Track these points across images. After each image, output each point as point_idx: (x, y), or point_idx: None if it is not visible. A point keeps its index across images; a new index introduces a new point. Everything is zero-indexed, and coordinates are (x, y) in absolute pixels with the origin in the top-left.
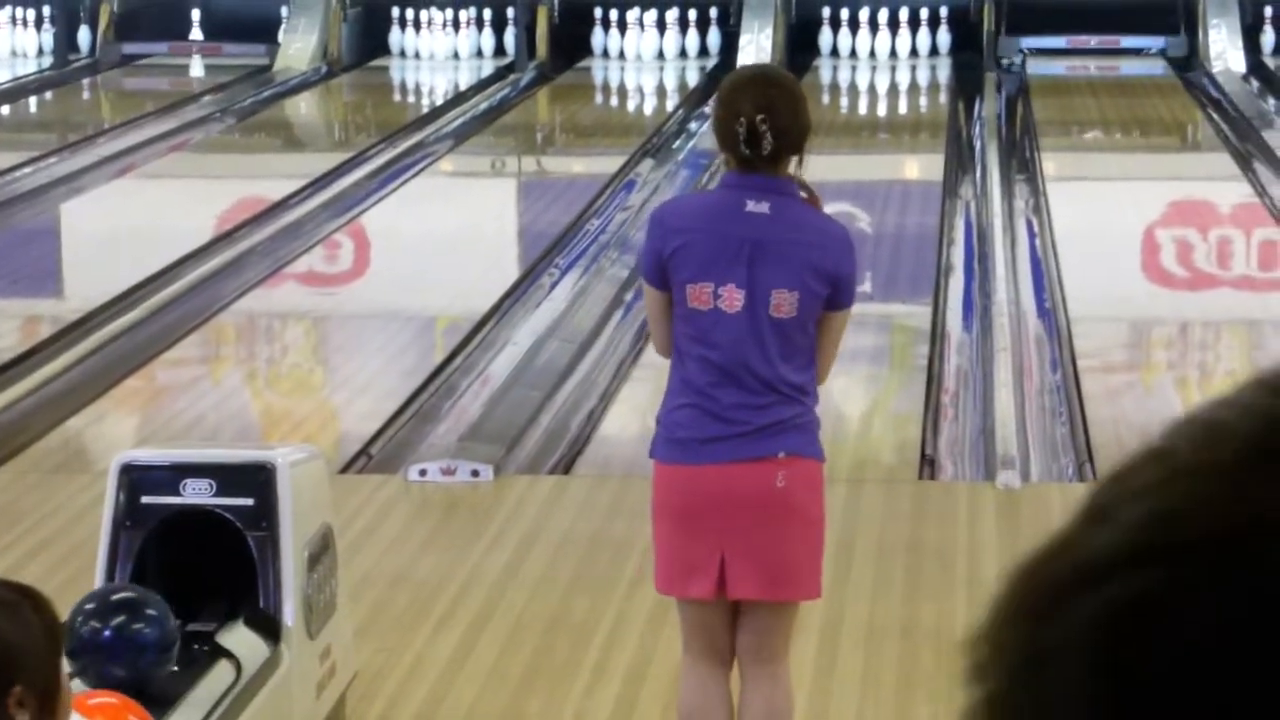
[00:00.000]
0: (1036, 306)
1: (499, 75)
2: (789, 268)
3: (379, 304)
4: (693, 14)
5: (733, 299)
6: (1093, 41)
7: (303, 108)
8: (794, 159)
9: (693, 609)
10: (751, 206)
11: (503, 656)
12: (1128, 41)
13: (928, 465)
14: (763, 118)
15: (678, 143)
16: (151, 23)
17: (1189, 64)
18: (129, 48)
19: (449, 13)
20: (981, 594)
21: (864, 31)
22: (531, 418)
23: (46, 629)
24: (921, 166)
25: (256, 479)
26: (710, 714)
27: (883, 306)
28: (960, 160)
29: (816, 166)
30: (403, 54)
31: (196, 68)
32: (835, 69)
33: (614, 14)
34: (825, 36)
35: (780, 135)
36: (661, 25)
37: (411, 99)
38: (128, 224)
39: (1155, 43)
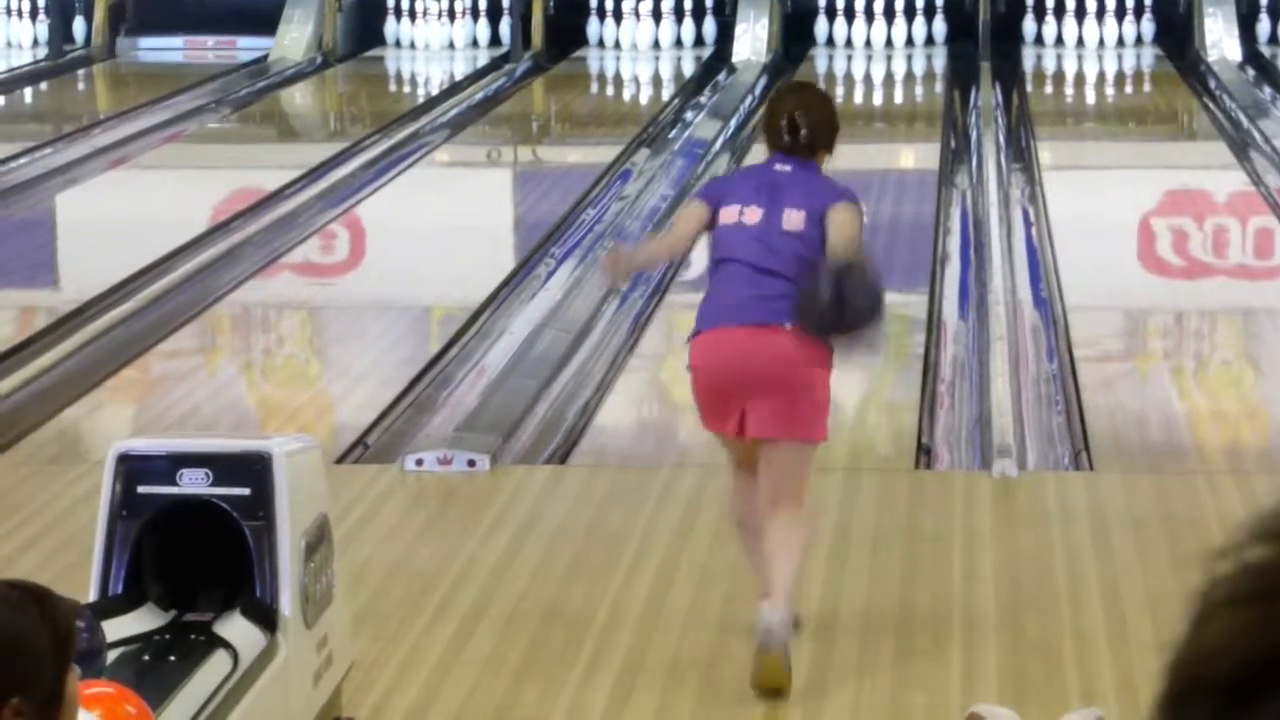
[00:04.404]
0: (1032, 295)
1: (494, 65)
2: (800, 194)
3: (375, 294)
4: (688, 3)
5: (753, 215)
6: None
7: (298, 98)
8: (825, 156)
9: (728, 439)
10: (779, 167)
11: (499, 646)
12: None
13: (924, 454)
14: (800, 112)
15: (673, 132)
16: (149, 13)
17: (1185, 53)
18: (124, 40)
19: (444, 2)
20: (978, 582)
21: (860, 21)
22: (528, 407)
23: (55, 634)
24: (917, 156)
25: (253, 468)
26: (752, 514)
27: None
28: (956, 150)
29: None
30: (398, 44)
31: (192, 56)
32: (831, 58)
33: (609, 3)
34: (821, 26)
35: (814, 128)
36: (657, 15)
37: (407, 89)
38: (123, 215)
39: (1148, 30)
